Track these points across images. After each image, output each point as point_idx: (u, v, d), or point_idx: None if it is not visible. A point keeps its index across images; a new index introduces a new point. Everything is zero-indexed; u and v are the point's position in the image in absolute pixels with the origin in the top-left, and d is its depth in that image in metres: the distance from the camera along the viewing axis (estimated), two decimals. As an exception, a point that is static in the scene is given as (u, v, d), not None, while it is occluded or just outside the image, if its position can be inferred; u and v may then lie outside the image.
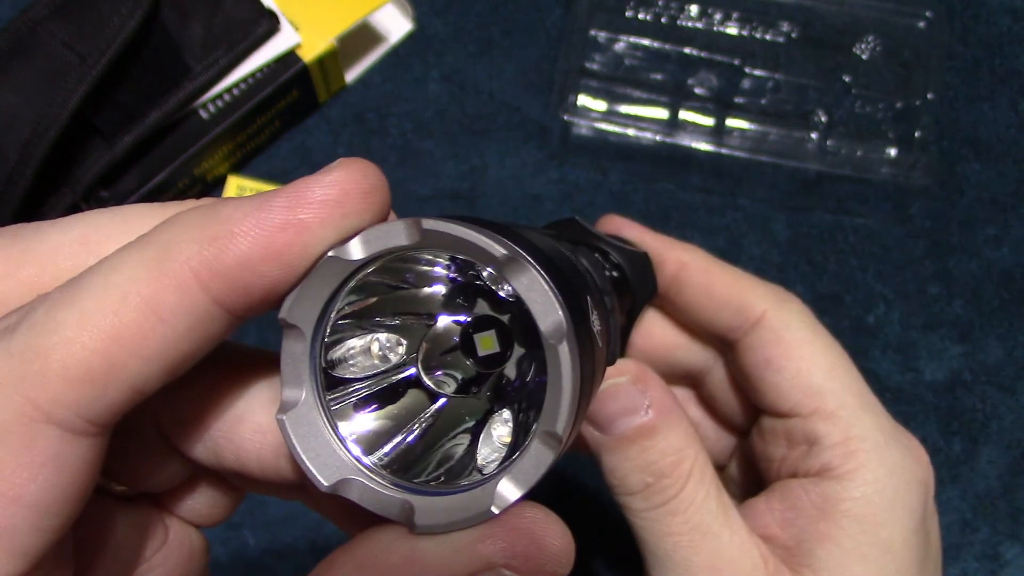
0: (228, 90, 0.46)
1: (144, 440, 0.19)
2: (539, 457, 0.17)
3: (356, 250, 0.18)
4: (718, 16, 0.51)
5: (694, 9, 0.51)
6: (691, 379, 0.35)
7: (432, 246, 0.18)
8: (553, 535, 0.17)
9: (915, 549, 0.27)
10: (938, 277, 0.50)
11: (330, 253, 0.18)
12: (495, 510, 0.17)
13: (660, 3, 0.51)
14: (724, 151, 0.48)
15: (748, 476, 0.34)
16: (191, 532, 0.21)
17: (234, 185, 0.49)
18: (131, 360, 0.16)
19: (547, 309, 0.16)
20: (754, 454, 0.32)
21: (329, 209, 0.18)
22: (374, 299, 0.19)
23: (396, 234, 0.18)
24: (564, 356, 0.16)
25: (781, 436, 0.30)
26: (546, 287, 0.16)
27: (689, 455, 0.26)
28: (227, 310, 0.16)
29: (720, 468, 0.35)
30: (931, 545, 0.29)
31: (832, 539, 0.26)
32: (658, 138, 0.49)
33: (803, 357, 0.29)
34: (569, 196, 0.50)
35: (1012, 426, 0.48)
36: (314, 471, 0.17)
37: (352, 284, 0.18)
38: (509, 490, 0.17)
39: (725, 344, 0.32)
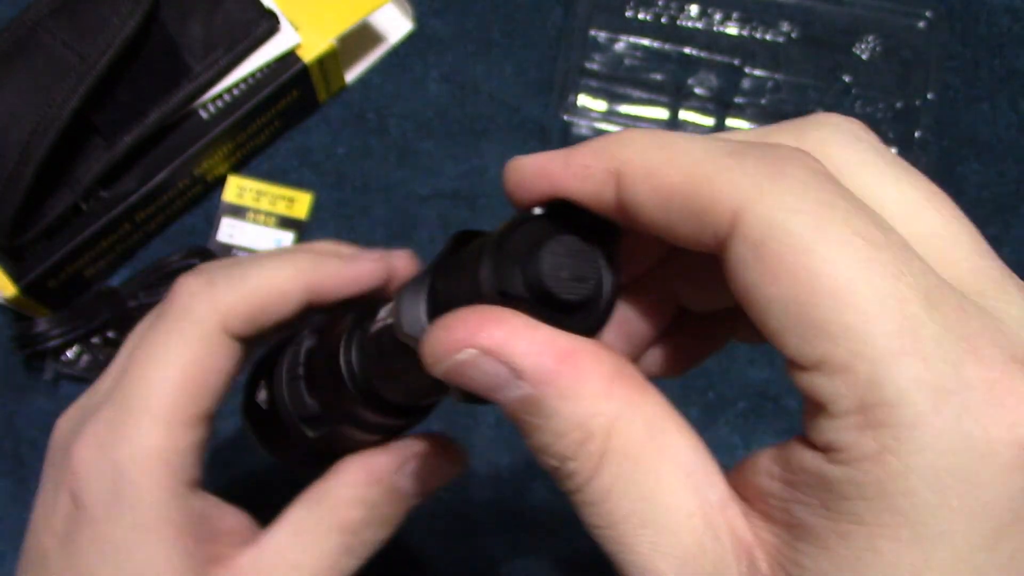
0: (228, 90, 0.46)
1: None
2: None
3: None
4: (718, 16, 0.51)
5: (694, 9, 0.51)
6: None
7: None
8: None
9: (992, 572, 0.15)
10: (938, 277, 0.50)
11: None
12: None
13: (660, 3, 0.51)
14: (724, 151, 0.48)
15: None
16: None
17: (234, 185, 0.49)
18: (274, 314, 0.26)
19: None
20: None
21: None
22: None
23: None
24: None
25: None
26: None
27: (599, 423, 0.17)
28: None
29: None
30: None
31: (828, 547, 0.16)
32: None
33: (803, 272, 0.16)
34: (569, 196, 0.50)
35: (1012, 426, 0.48)
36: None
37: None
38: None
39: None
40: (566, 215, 0.19)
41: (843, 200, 0.16)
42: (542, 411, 0.18)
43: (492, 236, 0.19)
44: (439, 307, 0.20)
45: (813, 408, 0.17)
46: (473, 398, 0.19)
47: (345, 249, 0.28)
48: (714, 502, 0.17)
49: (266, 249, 0.49)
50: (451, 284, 0.20)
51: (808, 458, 0.17)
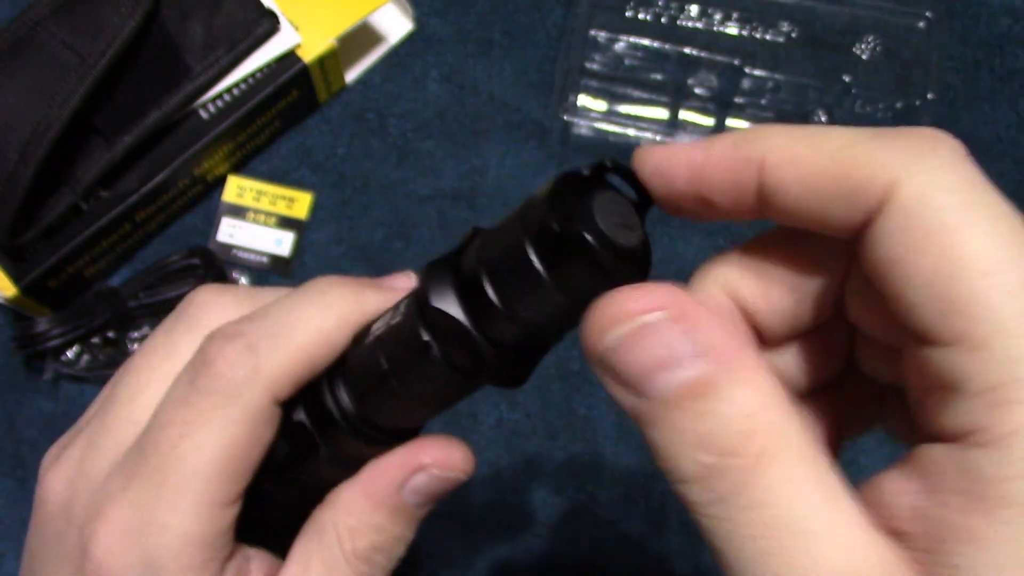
0: (228, 90, 0.46)
1: None
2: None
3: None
4: (718, 16, 0.51)
5: (694, 9, 0.51)
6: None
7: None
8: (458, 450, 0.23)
9: None
10: (938, 277, 0.50)
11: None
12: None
13: (660, 3, 0.51)
14: (724, 151, 0.48)
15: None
16: None
17: (234, 185, 0.49)
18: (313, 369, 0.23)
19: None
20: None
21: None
22: None
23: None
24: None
25: (917, 370, 0.18)
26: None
27: (766, 421, 0.17)
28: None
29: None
30: None
31: (982, 539, 0.16)
32: (658, 138, 0.49)
33: (949, 248, 0.16)
34: (569, 196, 0.50)
35: (1012, 426, 0.48)
36: None
37: None
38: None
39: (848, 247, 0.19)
40: (602, 177, 0.20)
41: (986, 184, 0.17)
42: (717, 395, 0.17)
43: (539, 194, 0.19)
44: (476, 280, 0.20)
45: (942, 392, 0.16)
46: (506, 376, 0.21)
47: (352, 280, 0.25)
48: (863, 524, 0.17)
49: (264, 250, 0.49)
50: (497, 249, 0.20)
51: (942, 453, 0.16)
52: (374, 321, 0.23)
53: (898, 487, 0.17)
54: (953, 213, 0.17)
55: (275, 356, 0.23)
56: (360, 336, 0.23)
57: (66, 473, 0.24)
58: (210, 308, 0.24)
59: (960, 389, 0.16)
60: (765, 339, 0.21)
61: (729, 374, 0.17)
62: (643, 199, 0.20)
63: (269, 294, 0.25)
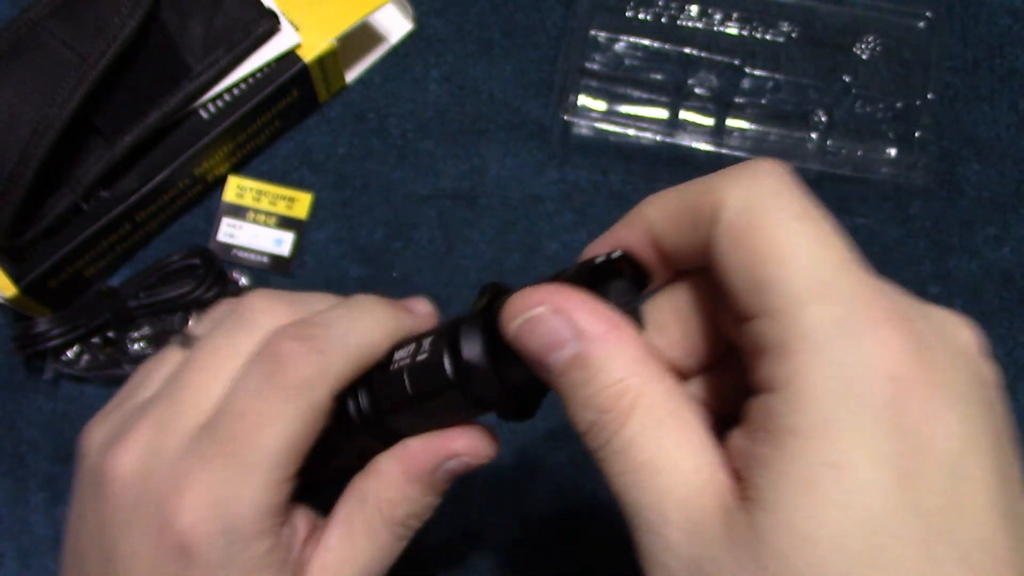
0: (228, 90, 0.46)
1: None
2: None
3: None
4: (718, 16, 0.51)
5: (694, 9, 0.51)
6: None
7: None
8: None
9: (898, 461, 0.19)
10: (938, 277, 0.50)
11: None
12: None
13: (660, 3, 0.51)
14: (724, 151, 0.48)
15: None
16: None
17: (234, 185, 0.49)
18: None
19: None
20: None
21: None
22: None
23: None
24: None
25: (745, 343, 0.22)
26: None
27: (633, 384, 0.22)
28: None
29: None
30: (962, 462, 0.20)
31: (771, 462, 0.20)
32: (658, 138, 0.49)
33: (756, 243, 0.21)
34: (569, 196, 0.50)
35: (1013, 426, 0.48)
36: None
37: None
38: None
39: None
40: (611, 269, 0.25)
41: (794, 192, 0.22)
42: (591, 366, 0.22)
43: (570, 272, 0.25)
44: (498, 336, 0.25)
45: (758, 356, 0.21)
46: (514, 412, 0.26)
47: (391, 301, 0.30)
48: (714, 463, 0.21)
49: (264, 250, 0.49)
50: None
51: (754, 402, 0.21)
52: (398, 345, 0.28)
53: (735, 435, 0.22)
54: (761, 216, 0.21)
55: (338, 360, 0.27)
56: (384, 358, 0.28)
57: (137, 453, 0.27)
58: (267, 313, 0.28)
59: (764, 350, 0.21)
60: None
61: (600, 350, 0.22)
62: (640, 283, 0.26)
63: (315, 301, 0.29)
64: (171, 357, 0.30)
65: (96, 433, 0.28)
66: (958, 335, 0.22)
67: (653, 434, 0.22)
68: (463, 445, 0.28)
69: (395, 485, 0.28)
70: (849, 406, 0.19)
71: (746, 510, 0.20)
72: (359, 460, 0.29)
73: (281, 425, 0.26)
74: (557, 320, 0.23)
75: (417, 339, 0.28)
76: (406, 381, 0.27)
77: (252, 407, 0.26)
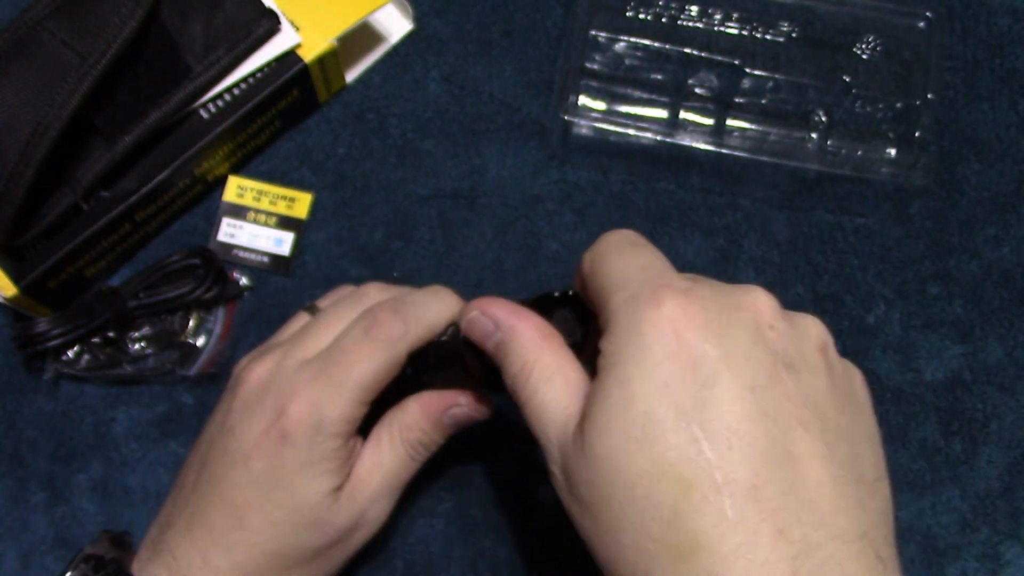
0: (228, 90, 0.46)
1: None
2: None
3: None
4: (718, 16, 0.51)
5: (694, 9, 0.51)
6: None
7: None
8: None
9: (662, 375, 0.28)
10: (938, 277, 0.50)
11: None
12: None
13: (660, 3, 0.51)
14: (724, 151, 0.48)
15: None
16: None
17: (234, 185, 0.49)
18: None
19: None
20: None
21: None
22: None
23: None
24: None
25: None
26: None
27: (530, 359, 0.33)
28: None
29: None
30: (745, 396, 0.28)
31: (593, 392, 0.30)
32: (658, 138, 0.49)
33: (593, 275, 0.33)
34: (569, 196, 0.50)
35: (1012, 426, 0.48)
36: None
37: None
38: None
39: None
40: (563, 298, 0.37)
41: (619, 238, 0.34)
42: (508, 350, 0.34)
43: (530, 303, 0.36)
44: None
45: (601, 336, 0.31)
46: (492, 386, 0.37)
47: (453, 292, 0.40)
48: (580, 403, 0.31)
49: (264, 250, 0.49)
50: None
51: (602, 343, 0.31)
52: None
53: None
54: (595, 261, 0.33)
55: (415, 327, 0.37)
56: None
57: (265, 368, 0.38)
58: (373, 297, 0.40)
59: (601, 331, 0.31)
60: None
61: (511, 335, 0.34)
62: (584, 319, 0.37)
63: (407, 290, 0.41)
64: (301, 319, 0.42)
65: (244, 360, 0.40)
66: (741, 299, 0.30)
67: (543, 387, 0.32)
68: (464, 400, 0.39)
69: (413, 416, 0.39)
70: (631, 346, 0.29)
71: (581, 426, 0.30)
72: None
73: (369, 364, 0.36)
74: (484, 319, 0.35)
75: (445, 328, 0.38)
76: (431, 353, 0.38)
77: (352, 348, 0.36)
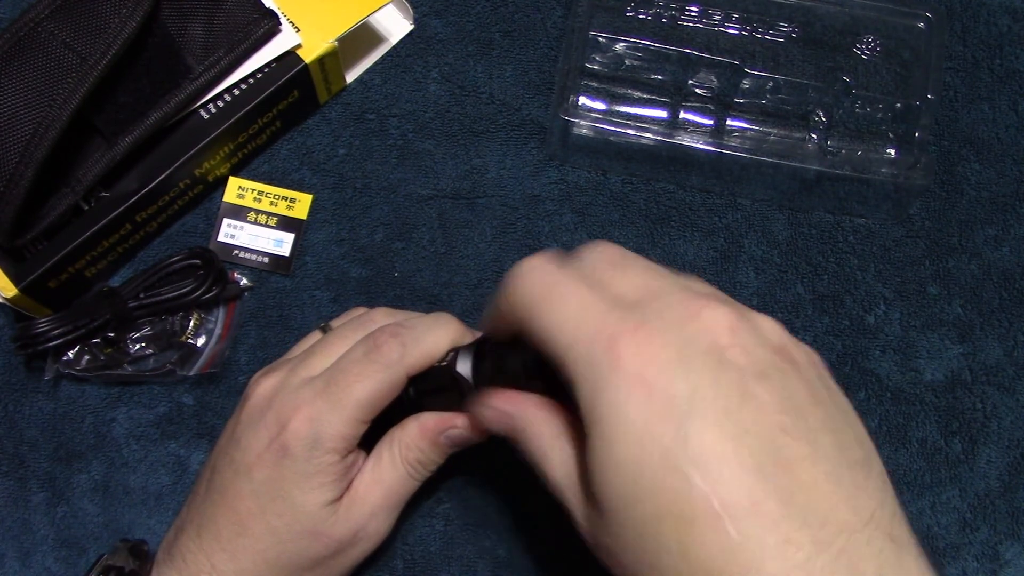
0: (228, 90, 0.46)
1: None
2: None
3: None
4: (718, 16, 0.51)
5: (694, 9, 0.51)
6: None
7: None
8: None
9: (630, 403, 0.29)
10: (938, 277, 0.50)
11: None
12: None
13: (660, 3, 0.51)
14: (724, 151, 0.48)
15: None
16: None
17: (234, 186, 0.49)
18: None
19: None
20: None
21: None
22: None
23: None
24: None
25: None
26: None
27: (513, 413, 0.36)
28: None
29: None
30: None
31: (596, 418, 0.31)
32: (658, 138, 0.49)
33: (530, 323, 0.33)
34: (569, 196, 0.50)
35: (1012, 426, 0.48)
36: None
37: None
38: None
39: None
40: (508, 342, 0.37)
41: (540, 281, 0.33)
42: (518, 427, 0.36)
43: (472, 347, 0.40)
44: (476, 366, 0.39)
45: (569, 385, 0.31)
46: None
47: (455, 319, 0.41)
48: (563, 432, 0.34)
49: (264, 250, 0.49)
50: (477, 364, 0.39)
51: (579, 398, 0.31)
52: None
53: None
54: (530, 308, 0.33)
55: (413, 352, 0.38)
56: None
57: (272, 383, 0.40)
58: (379, 321, 0.41)
59: (569, 383, 0.31)
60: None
61: (518, 421, 0.35)
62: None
63: (409, 316, 0.42)
64: (313, 337, 0.44)
65: (257, 374, 0.41)
66: (696, 325, 0.30)
67: (541, 444, 0.34)
68: (461, 422, 0.40)
69: (412, 436, 0.40)
70: (604, 407, 0.29)
71: (586, 486, 0.32)
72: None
73: (367, 384, 0.38)
74: (496, 414, 0.37)
75: (444, 354, 0.39)
76: (431, 377, 0.39)
77: (351, 368, 0.38)
